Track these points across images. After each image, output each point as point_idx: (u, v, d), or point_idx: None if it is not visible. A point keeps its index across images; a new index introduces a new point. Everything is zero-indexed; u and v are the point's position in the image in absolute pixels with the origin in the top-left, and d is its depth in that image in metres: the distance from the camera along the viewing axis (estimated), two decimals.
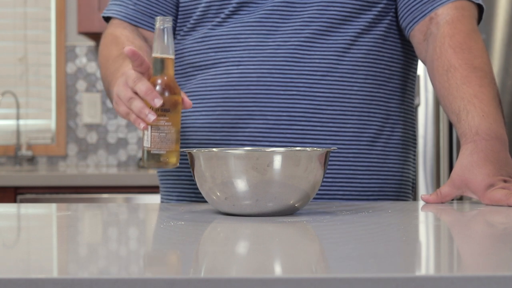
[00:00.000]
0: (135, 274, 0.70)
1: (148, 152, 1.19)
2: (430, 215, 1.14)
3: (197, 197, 1.38)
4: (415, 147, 1.48)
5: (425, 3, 1.35)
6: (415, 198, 1.53)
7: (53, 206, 1.34)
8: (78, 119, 3.50)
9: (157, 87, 1.17)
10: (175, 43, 1.43)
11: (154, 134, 1.17)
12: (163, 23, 1.19)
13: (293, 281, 0.64)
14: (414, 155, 1.47)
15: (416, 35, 1.36)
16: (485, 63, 1.30)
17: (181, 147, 1.38)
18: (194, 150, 1.07)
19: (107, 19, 1.49)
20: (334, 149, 1.09)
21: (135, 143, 3.50)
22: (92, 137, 3.50)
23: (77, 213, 1.17)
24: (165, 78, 1.18)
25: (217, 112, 1.35)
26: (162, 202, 1.47)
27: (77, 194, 2.82)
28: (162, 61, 1.19)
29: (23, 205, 1.34)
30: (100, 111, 3.50)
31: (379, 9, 1.38)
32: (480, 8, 1.38)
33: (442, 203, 1.24)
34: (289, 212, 1.07)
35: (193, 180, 1.37)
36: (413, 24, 1.36)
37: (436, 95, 1.35)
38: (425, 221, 1.10)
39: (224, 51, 1.36)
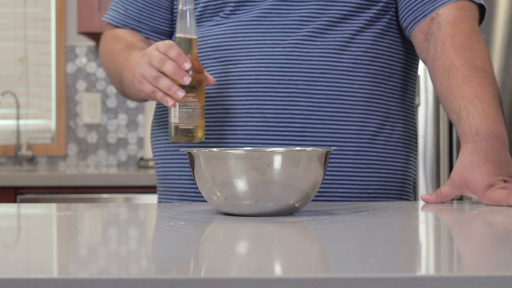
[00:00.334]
0: (135, 274, 0.70)
1: (177, 127, 1.26)
2: (430, 215, 1.14)
3: (198, 197, 1.38)
4: (416, 146, 1.48)
5: (426, 3, 1.35)
6: (415, 198, 1.53)
7: (53, 206, 1.34)
8: (78, 119, 3.50)
9: None
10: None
11: (182, 110, 1.25)
12: (185, 4, 1.26)
13: (293, 281, 0.64)
14: (415, 154, 1.47)
15: (417, 35, 1.36)
16: (486, 63, 1.30)
17: (180, 147, 1.38)
18: (194, 150, 1.07)
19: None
20: (334, 149, 1.09)
21: (135, 143, 3.50)
22: (92, 137, 3.50)
23: (77, 213, 1.17)
24: (189, 56, 1.25)
25: (216, 111, 1.35)
26: (160, 202, 1.47)
27: (77, 194, 2.82)
28: (186, 41, 1.26)
29: (23, 205, 1.34)
30: (100, 111, 3.50)
31: (378, 7, 1.38)
32: (481, 8, 1.38)
33: (442, 203, 1.24)
34: (289, 212, 1.07)
35: (196, 184, 1.37)
36: (414, 24, 1.36)
37: (437, 94, 1.35)
38: (425, 221, 1.10)
39: (222, 50, 1.36)
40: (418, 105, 2.61)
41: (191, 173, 1.38)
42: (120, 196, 2.82)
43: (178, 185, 1.41)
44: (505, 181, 1.19)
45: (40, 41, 3.51)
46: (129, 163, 3.49)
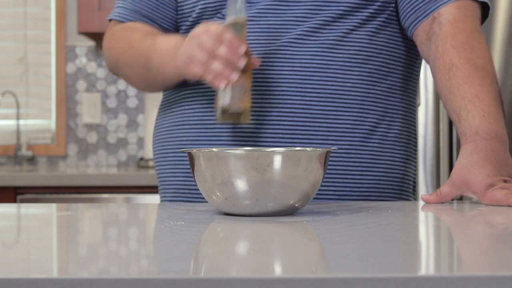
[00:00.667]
0: (135, 274, 0.70)
1: (226, 109, 1.28)
2: (430, 215, 1.14)
3: (191, 194, 1.39)
4: (416, 146, 1.47)
5: (427, 2, 1.35)
6: (416, 198, 1.53)
7: (53, 206, 1.34)
8: (78, 119, 3.50)
9: None
10: None
11: (232, 92, 1.27)
12: None
13: (293, 281, 0.64)
14: (415, 154, 1.47)
15: (419, 35, 1.36)
16: (487, 62, 1.30)
17: (177, 146, 1.39)
18: (194, 150, 1.07)
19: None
20: (334, 149, 1.09)
21: (135, 143, 3.51)
22: (92, 137, 3.50)
23: (77, 213, 1.17)
24: (241, 39, 1.27)
25: (210, 109, 1.36)
26: (160, 199, 1.48)
27: (77, 194, 2.82)
28: (237, 24, 1.27)
29: (23, 205, 1.34)
30: (100, 111, 3.50)
31: (375, 7, 1.38)
32: (484, 7, 1.38)
33: (442, 203, 1.24)
34: (289, 212, 1.07)
35: (189, 178, 1.38)
36: (416, 24, 1.36)
37: (438, 94, 1.35)
38: (425, 221, 1.10)
39: None
40: (418, 105, 2.61)
41: (185, 171, 1.39)
42: (120, 196, 2.82)
43: (172, 182, 1.42)
44: (505, 181, 1.19)
45: (40, 41, 3.51)
46: (129, 163, 3.49)
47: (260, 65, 1.33)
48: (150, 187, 2.80)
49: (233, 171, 1.02)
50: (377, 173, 1.37)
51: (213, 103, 1.35)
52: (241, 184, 1.02)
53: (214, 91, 1.36)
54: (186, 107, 1.39)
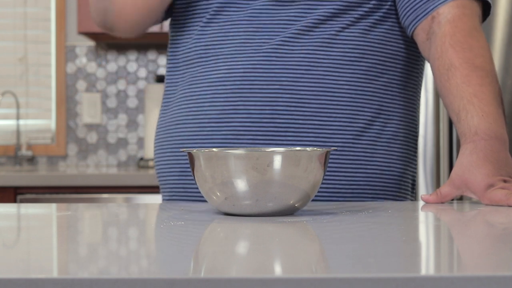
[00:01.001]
0: (135, 274, 0.70)
1: None
2: (430, 215, 1.14)
3: (187, 193, 1.39)
4: (416, 144, 1.47)
5: (426, 1, 1.35)
6: (416, 198, 1.53)
7: (53, 206, 1.34)
8: (78, 119, 3.50)
9: None
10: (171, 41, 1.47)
11: None
12: None
13: (293, 281, 0.64)
14: (415, 153, 1.47)
15: (419, 34, 1.36)
16: (487, 62, 1.29)
17: (173, 144, 1.40)
18: (194, 150, 1.07)
19: None
20: (334, 149, 1.09)
21: (135, 143, 3.51)
22: (92, 137, 3.50)
23: (77, 213, 1.17)
24: None
25: (205, 108, 1.37)
26: (162, 197, 1.50)
27: (77, 194, 2.82)
28: None
29: (23, 205, 1.34)
30: (100, 111, 3.50)
31: (370, 5, 1.38)
32: (485, 6, 1.38)
33: (442, 203, 1.24)
34: (289, 212, 1.07)
35: (184, 177, 1.39)
36: (415, 23, 1.36)
37: (439, 94, 1.35)
38: (425, 221, 1.10)
39: (213, 48, 1.38)
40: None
41: (180, 170, 1.40)
42: (120, 196, 2.82)
43: (169, 181, 1.43)
44: (505, 181, 1.19)
45: (40, 41, 3.51)
46: (129, 163, 3.49)
47: (253, 64, 1.34)
48: (150, 187, 2.80)
49: (233, 171, 1.02)
50: (371, 171, 1.37)
51: (208, 102, 1.36)
52: (241, 184, 1.02)
53: (211, 91, 1.36)
54: (183, 106, 1.41)
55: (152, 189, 2.79)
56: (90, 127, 3.50)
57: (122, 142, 3.50)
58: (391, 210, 1.16)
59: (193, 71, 1.41)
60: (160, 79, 3.34)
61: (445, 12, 1.33)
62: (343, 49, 1.36)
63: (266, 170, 1.01)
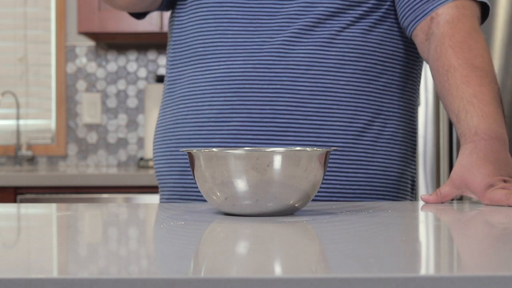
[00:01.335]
0: (135, 274, 0.70)
1: None
2: (430, 215, 1.14)
3: (187, 193, 1.39)
4: (415, 144, 1.47)
5: (425, 2, 1.35)
6: (416, 198, 1.53)
7: (53, 206, 1.34)
8: (78, 119, 3.50)
9: None
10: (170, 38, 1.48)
11: None
12: None
13: (293, 281, 0.64)
14: (413, 153, 1.47)
15: (418, 35, 1.36)
16: (486, 62, 1.29)
17: (173, 144, 1.40)
18: (194, 150, 1.07)
19: None
20: (334, 149, 1.09)
21: (135, 143, 3.51)
22: (92, 137, 3.50)
23: (77, 213, 1.17)
24: None
25: (204, 107, 1.37)
26: (160, 197, 1.49)
27: (77, 194, 2.82)
28: None
29: (23, 205, 1.34)
30: (100, 111, 3.49)
31: (369, 5, 1.38)
32: (484, 7, 1.38)
33: (442, 203, 1.24)
34: (289, 212, 1.07)
35: (184, 176, 1.39)
36: (414, 24, 1.36)
37: (438, 95, 1.35)
38: (425, 221, 1.10)
39: (212, 46, 1.38)
40: (419, 105, 2.61)
41: (180, 169, 1.40)
42: (120, 196, 2.82)
43: (168, 180, 1.43)
44: (505, 181, 1.19)
45: (40, 41, 3.51)
46: (129, 163, 3.49)
47: (254, 64, 1.34)
48: (150, 187, 2.80)
49: (233, 171, 1.02)
50: (371, 171, 1.37)
51: (208, 102, 1.36)
52: (241, 184, 1.02)
53: (211, 90, 1.36)
54: (182, 106, 1.41)
55: (152, 189, 2.79)
56: (90, 127, 3.50)
57: (122, 142, 3.50)
58: (391, 210, 1.16)
59: (192, 69, 1.41)
60: (160, 79, 3.34)
61: (444, 13, 1.33)
62: (343, 49, 1.36)
63: (266, 170, 1.01)
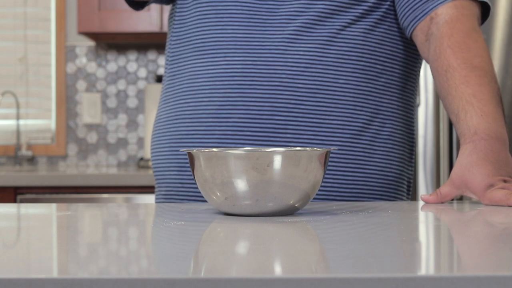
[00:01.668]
0: (135, 274, 0.70)
1: None
2: (430, 215, 1.14)
3: (184, 189, 1.39)
4: (412, 145, 1.47)
5: (425, 2, 1.35)
6: (414, 198, 1.53)
7: (53, 206, 1.34)
8: (78, 119, 3.50)
9: None
10: (170, 36, 1.48)
11: None
12: None
13: (293, 281, 0.64)
14: (411, 154, 1.47)
15: (418, 35, 1.36)
16: (485, 62, 1.29)
17: (171, 140, 1.40)
18: (194, 150, 1.07)
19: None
20: (334, 149, 1.09)
21: (135, 143, 3.50)
22: (92, 137, 3.50)
23: (77, 213, 1.17)
24: None
25: (203, 103, 1.37)
26: (155, 195, 1.49)
27: (77, 194, 2.82)
28: None
29: (23, 205, 1.34)
30: (100, 111, 3.49)
31: (370, 4, 1.38)
32: (484, 7, 1.38)
33: (442, 203, 1.24)
34: (289, 212, 1.07)
35: (183, 172, 1.39)
36: (414, 24, 1.36)
37: (438, 95, 1.35)
38: (425, 221, 1.10)
39: (211, 41, 1.38)
40: (418, 105, 2.61)
41: (179, 165, 1.40)
42: (120, 196, 2.82)
43: (166, 176, 1.43)
44: (505, 181, 1.19)
45: (40, 41, 3.51)
46: (129, 163, 3.49)
47: (254, 60, 1.34)
48: (150, 187, 2.80)
49: (233, 171, 1.02)
50: (369, 171, 1.37)
51: (207, 97, 1.36)
52: (241, 184, 1.02)
53: (210, 86, 1.36)
54: (181, 101, 1.41)
55: (152, 189, 2.79)
56: (90, 127, 3.50)
57: (122, 142, 3.50)
58: (390, 210, 1.16)
59: (192, 64, 1.41)
60: (160, 79, 3.35)
61: (444, 13, 1.33)
62: (343, 48, 1.36)
63: (266, 170, 1.01)
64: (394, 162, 1.41)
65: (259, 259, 0.76)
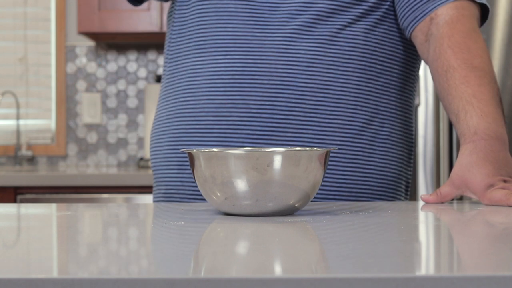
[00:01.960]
0: (135, 274, 0.70)
1: None
2: (430, 215, 1.14)
3: (184, 187, 1.39)
4: (411, 146, 1.47)
5: (425, 3, 1.35)
6: (414, 198, 1.53)
7: (53, 206, 1.34)
8: (78, 119, 3.50)
9: None
10: (170, 34, 1.48)
11: None
12: None
13: (293, 281, 0.64)
14: (409, 154, 1.47)
15: (418, 36, 1.36)
16: (485, 62, 1.29)
17: (171, 138, 1.40)
18: (194, 150, 1.07)
19: None
20: (334, 149, 1.09)
21: (135, 143, 3.50)
22: (92, 137, 3.50)
23: (77, 213, 1.17)
24: None
25: (203, 101, 1.37)
26: (154, 194, 1.49)
27: (77, 194, 2.82)
28: None
29: (23, 205, 1.34)
30: (100, 111, 3.49)
31: (370, 3, 1.38)
32: (484, 8, 1.38)
33: (442, 203, 1.24)
34: (289, 212, 1.07)
35: (182, 170, 1.39)
36: (413, 25, 1.36)
37: (438, 95, 1.35)
38: (425, 221, 1.10)
39: (213, 39, 1.38)
40: (418, 105, 2.61)
41: (178, 163, 1.40)
42: (120, 196, 2.82)
43: (166, 175, 1.43)
44: (505, 181, 1.19)
45: (40, 41, 3.51)
46: (129, 163, 3.49)
47: (254, 59, 1.34)
48: (150, 187, 2.80)
49: (233, 171, 1.02)
50: (369, 171, 1.37)
51: (206, 95, 1.36)
52: (241, 184, 1.02)
53: (209, 84, 1.36)
54: (181, 100, 1.40)
55: (152, 189, 2.79)
56: (90, 127, 3.50)
57: (122, 142, 3.50)
58: (390, 210, 1.16)
59: (192, 62, 1.40)
60: (160, 79, 3.35)
61: (443, 14, 1.33)
62: (344, 48, 1.36)
63: (266, 170, 1.01)
64: (393, 162, 1.41)
65: (259, 259, 0.76)
